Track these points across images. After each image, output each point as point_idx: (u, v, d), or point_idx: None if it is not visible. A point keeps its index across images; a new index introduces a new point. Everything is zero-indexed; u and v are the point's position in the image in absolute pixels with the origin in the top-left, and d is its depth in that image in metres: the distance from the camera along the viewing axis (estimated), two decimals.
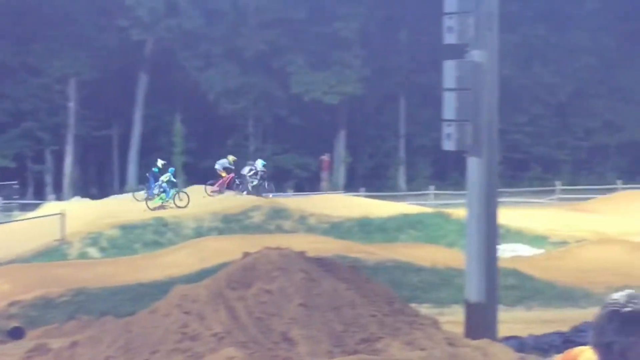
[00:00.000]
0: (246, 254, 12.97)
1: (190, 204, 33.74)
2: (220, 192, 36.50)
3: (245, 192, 36.33)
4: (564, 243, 30.58)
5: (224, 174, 37.34)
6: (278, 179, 44.17)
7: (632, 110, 51.52)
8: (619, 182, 46.64)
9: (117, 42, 46.72)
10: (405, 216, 33.29)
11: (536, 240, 31.25)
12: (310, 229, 31.63)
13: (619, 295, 3.09)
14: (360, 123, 50.36)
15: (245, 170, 37.07)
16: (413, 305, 15.05)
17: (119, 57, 47.03)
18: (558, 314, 18.86)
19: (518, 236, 31.25)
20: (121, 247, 29.22)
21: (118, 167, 48.86)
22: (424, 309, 16.82)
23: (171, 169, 36.15)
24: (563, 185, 46.13)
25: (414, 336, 11.84)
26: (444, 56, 14.46)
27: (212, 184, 37.39)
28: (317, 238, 27.99)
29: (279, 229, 31.50)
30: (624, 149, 51.66)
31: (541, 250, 29.45)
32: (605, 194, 43.10)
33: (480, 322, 13.77)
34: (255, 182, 36.82)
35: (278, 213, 32.98)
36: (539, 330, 15.14)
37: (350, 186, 46.76)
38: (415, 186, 46.67)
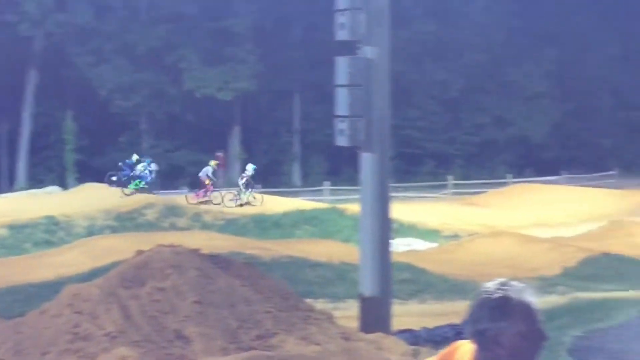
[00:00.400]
0: (139, 252, 12.81)
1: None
2: (202, 202, 35.83)
3: (238, 202, 35.38)
4: (456, 237, 31.12)
5: (207, 182, 36.82)
6: (172, 176, 43.86)
7: (521, 105, 52.72)
8: (509, 176, 47.68)
9: (5, 38, 45.58)
10: (301, 212, 33.41)
11: (429, 234, 31.71)
12: (205, 226, 31.47)
13: (490, 284, 3.15)
14: (254, 119, 50.31)
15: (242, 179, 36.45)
16: (308, 300, 15.07)
17: (6, 53, 45.86)
18: (450, 307, 19.11)
19: (412, 230, 31.67)
20: (10, 247, 28.53)
21: (7, 165, 47.70)
22: (320, 304, 16.84)
23: (148, 159, 37.74)
24: (455, 179, 46.91)
25: (309, 331, 11.88)
26: (337, 52, 14.53)
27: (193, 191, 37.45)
28: (212, 235, 27.85)
29: (174, 227, 31.26)
30: (514, 143, 52.83)
31: (434, 244, 29.88)
32: (495, 188, 44.02)
33: (374, 316, 13.89)
34: (243, 189, 36.10)
35: (172, 210, 32.72)
36: (432, 322, 15.34)
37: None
38: (310, 182, 46.84)
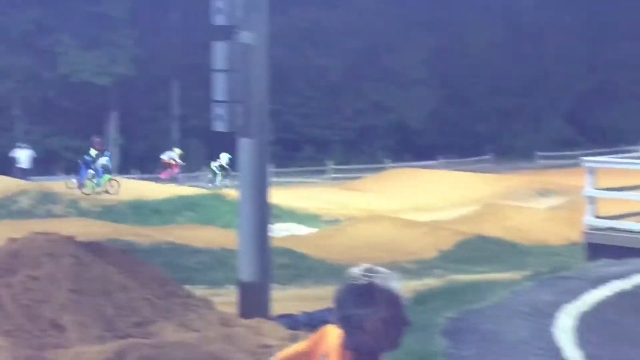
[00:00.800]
0: (11, 240, 12.49)
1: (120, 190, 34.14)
2: (165, 181, 36.48)
3: (211, 184, 37.83)
4: (336, 221, 31.34)
5: (172, 162, 38.98)
6: (47, 162, 42.92)
7: (399, 91, 53.42)
8: (387, 161, 48.34)
9: None
10: (181, 198, 33.13)
11: (309, 219, 31.86)
12: (82, 213, 30.87)
13: (356, 270, 3.21)
14: (132, 104, 49.64)
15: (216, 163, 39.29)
16: (188, 287, 14.94)
17: None
18: (330, 291, 19.15)
19: (292, 216, 31.75)
20: None
21: None
22: (199, 291, 16.72)
23: (107, 153, 36.79)
24: (334, 164, 47.29)
25: (188, 318, 11.81)
26: (215, 37, 14.42)
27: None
28: (89, 222, 27.37)
29: (49, 214, 30.58)
30: (392, 129, 53.53)
31: (314, 229, 30.04)
32: (374, 173, 44.57)
33: (253, 302, 13.86)
34: (220, 176, 38.24)
35: (47, 197, 32.01)
36: (312, 307, 15.39)
37: (124, 168, 46.03)
38: (189, 167, 46.51)
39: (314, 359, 3.44)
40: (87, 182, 35.06)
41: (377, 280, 3.17)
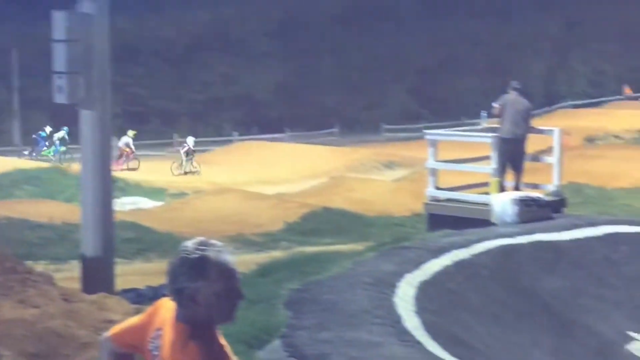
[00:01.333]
0: None
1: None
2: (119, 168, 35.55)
3: (180, 171, 37.26)
4: (182, 194, 31.17)
5: (127, 150, 38.62)
6: None
7: (246, 64, 53.33)
8: (235, 133, 48.29)
9: None
10: (21, 171, 32.28)
11: (156, 192, 31.60)
12: None
13: (189, 243, 3.21)
14: None
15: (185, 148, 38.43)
16: (29, 262, 14.61)
17: None
18: None
19: (138, 189, 31.43)
20: None
21: None
22: (41, 266, 16.41)
23: (65, 128, 39.14)
24: (181, 137, 46.85)
25: (27, 294, 11.51)
26: (55, 6, 14.06)
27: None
28: None
29: None
30: (240, 101, 53.43)
31: (160, 202, 29.81)
32: (222, 146, 44.45)
33: (97, 277, 13.65)
34: (186, 159, 37.83)
35: None
36: (157, 281, 15.26)
37: None
38: (31, 141, 45.27)
39: (148, 333, 3.41)
40: (45, 151, 39.84)
41: (210, 254, 3.17)
